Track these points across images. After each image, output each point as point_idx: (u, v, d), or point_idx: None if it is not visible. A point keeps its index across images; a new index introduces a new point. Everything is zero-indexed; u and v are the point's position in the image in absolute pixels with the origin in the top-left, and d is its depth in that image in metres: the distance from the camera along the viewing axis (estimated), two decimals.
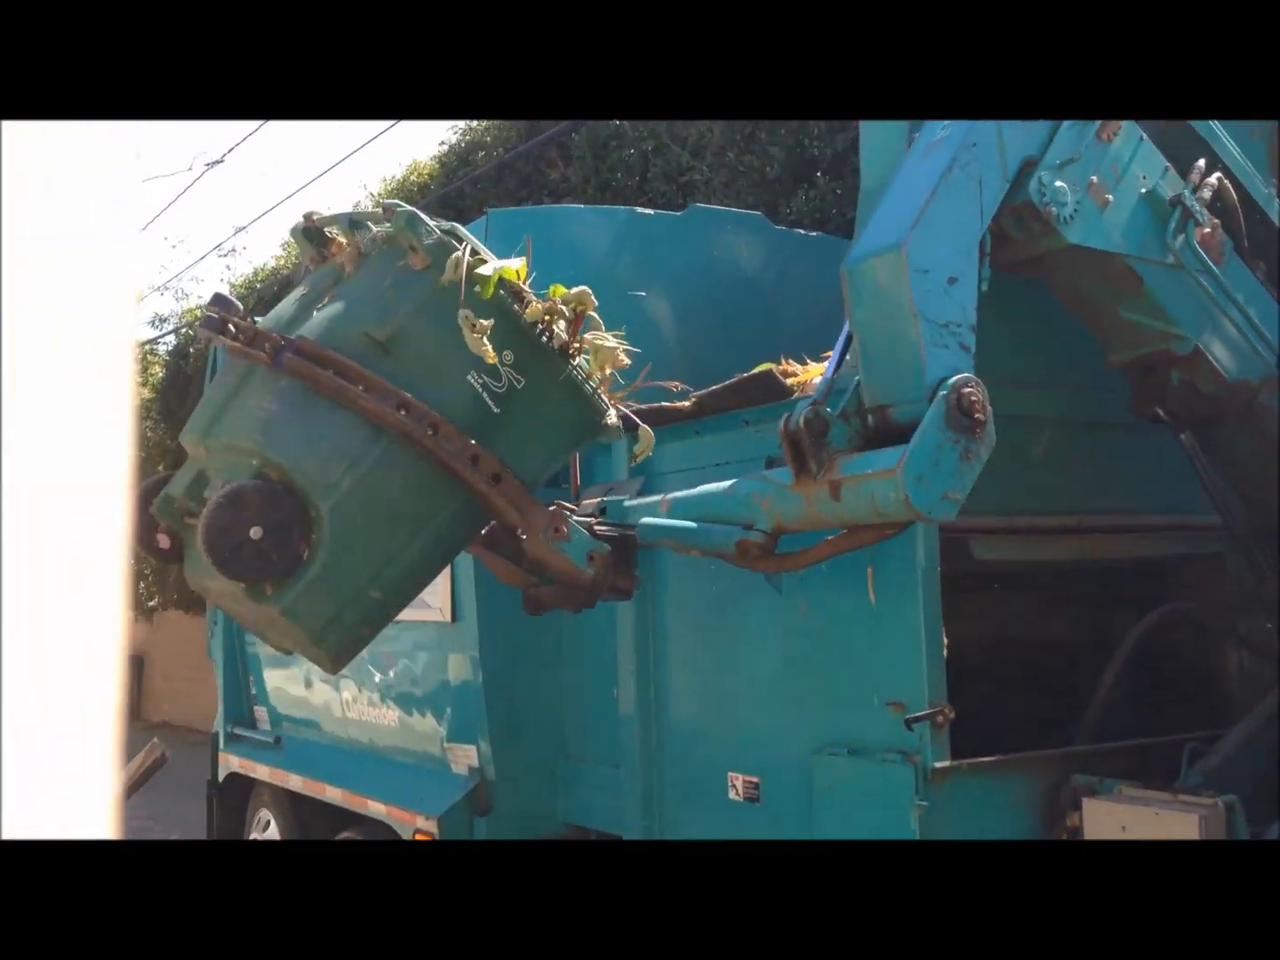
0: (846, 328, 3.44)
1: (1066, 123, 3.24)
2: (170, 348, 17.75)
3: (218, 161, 16.01)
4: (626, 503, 3.91)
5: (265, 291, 14.76)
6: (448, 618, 4.92)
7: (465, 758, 4.90)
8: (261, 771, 6.53)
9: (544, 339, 3.19)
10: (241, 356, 3.11)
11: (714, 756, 4.15)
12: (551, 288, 3.24)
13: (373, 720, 5.66)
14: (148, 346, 19.85)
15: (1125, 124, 3.35)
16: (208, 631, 7.30)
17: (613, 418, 3.40)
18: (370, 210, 4.09)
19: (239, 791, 6.86)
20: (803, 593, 3.83)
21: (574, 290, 3.23)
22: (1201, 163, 3.47)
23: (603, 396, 3.37)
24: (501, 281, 3.11)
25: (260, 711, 6.75)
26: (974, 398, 2.99)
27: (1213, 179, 3.46)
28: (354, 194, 26.12)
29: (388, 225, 3.18)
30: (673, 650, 4.39)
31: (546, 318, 3.17)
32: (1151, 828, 2.98)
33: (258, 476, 2.94)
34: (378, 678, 5.59)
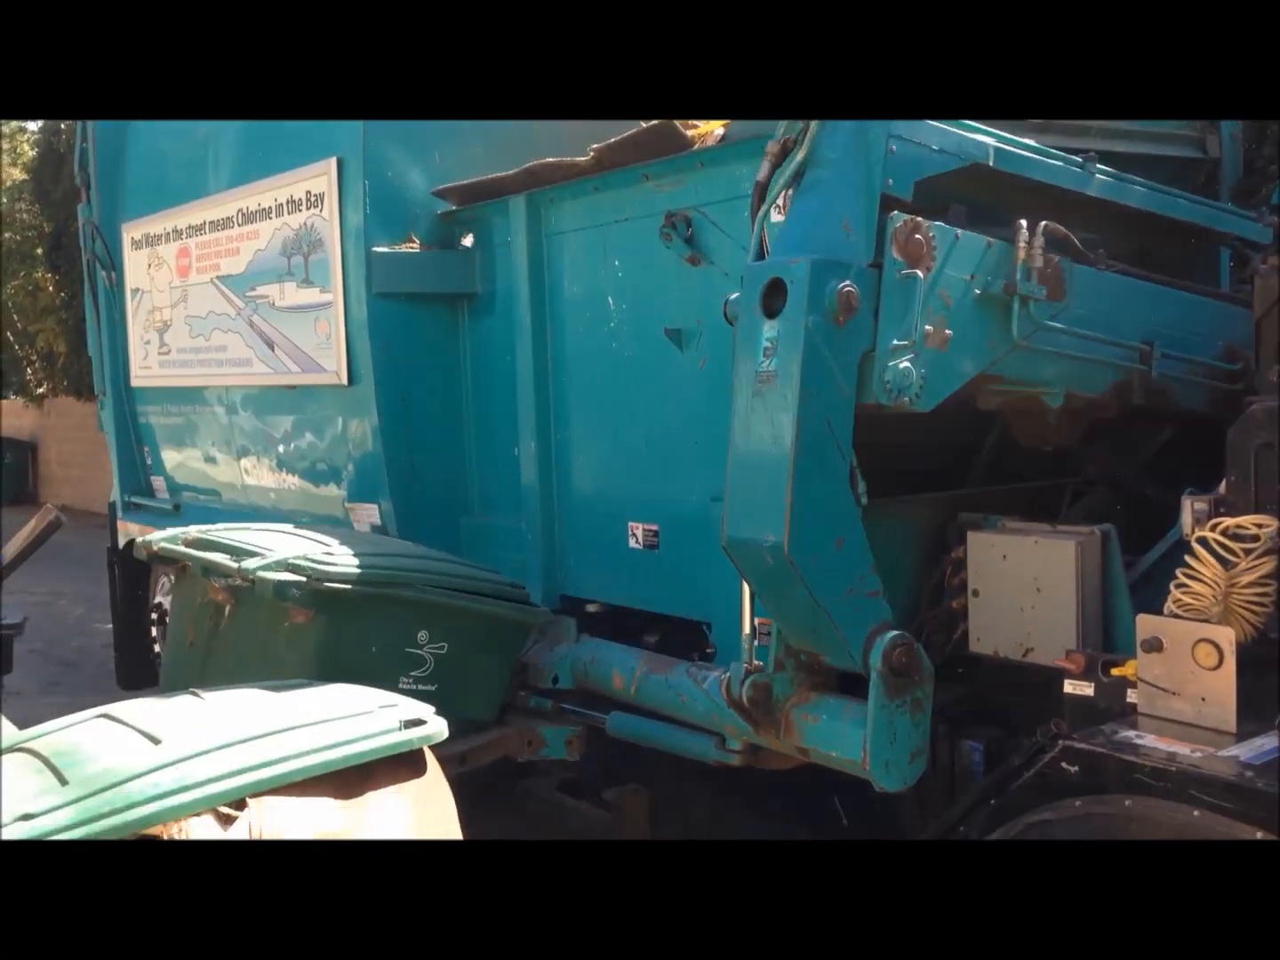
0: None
1: (882, 311, 2.90)
2: (40, 125, 16.75)
3: None
4: None
5: None
6: (344, 380, 4.86)
7: (367, 516, 4.92)
8: None
9: None
10: None
11: (615, 507, 4.22)
12: None
13: (273, 485, 5.63)
14: (16, 125, 18.70)
15: (937, 236, 2.95)
16: (98, 405, 7.14)
17: None
18: None
19: None
20: (703, 348, 3.84)
21: None
22: (1023, 223, 3.06)
23: None
24: None
25: (158, 481, 6.67)
26: (904, 659, 2.94)
27: (1039, 235, 3.06)
28: None
29: None
30: (573, 407, 4.40)
31: None
32: (1030, 556, 3.11)
33: None
34: (278, 445, 5.54)
